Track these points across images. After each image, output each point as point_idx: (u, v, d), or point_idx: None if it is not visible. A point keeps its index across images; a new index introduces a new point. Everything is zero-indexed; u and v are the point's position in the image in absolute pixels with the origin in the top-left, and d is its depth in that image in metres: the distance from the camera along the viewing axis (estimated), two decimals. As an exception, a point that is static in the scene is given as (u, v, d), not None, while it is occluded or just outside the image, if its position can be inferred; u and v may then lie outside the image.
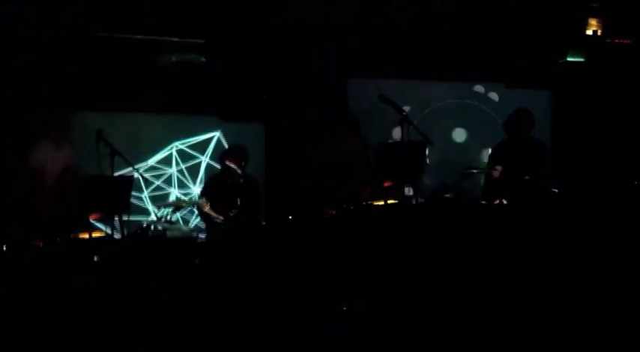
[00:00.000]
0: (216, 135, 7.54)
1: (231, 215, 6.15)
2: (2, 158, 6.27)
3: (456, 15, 7.58)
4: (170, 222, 6.24)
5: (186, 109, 7.37)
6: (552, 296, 4.96)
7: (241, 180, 6.30)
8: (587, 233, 5.76)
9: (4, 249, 5.36)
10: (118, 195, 5.62)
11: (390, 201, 5.68)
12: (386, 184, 5.71)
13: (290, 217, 6.14)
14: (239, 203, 6.20)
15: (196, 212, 6.88)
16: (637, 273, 5.18)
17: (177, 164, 7.49)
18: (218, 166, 6.75)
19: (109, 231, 6.15)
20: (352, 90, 7.51)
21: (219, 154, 6.69)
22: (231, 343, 4.48)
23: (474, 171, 6.51)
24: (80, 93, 6.80)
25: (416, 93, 7.68)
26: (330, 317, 4.76)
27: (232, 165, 6.25)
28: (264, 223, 6.51)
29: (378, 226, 5.51)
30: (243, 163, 6.32)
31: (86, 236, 5.62)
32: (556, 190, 6.30)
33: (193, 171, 7.51)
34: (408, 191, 5.88)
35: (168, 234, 6.02)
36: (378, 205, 5.69)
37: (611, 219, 5.89)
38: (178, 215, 6.75)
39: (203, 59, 7.19)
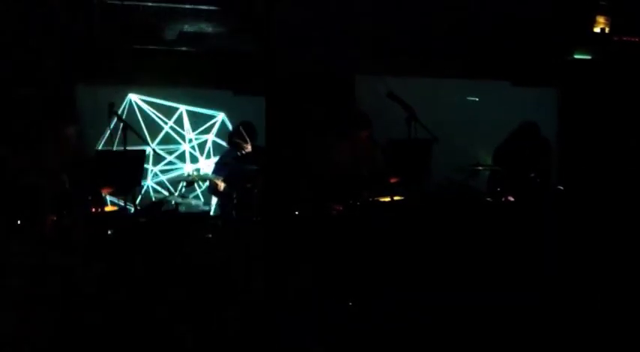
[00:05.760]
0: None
1: (249, 186, 6.15)
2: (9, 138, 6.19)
3: (463, 12, 7.58)
4: (183, 196, 6.26)
5: (202, 83, 7.32)
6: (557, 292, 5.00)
7: (251, 152, 6.39)
8: (594, 230, 5.78)
9: (19, 223, 5.36)
10: (129, 170, 5.56)
11: (396, 198, 5.72)
12: (392, 181, 5.74)
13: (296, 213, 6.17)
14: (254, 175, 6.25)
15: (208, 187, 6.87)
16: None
17: (190, 140, 7.48)
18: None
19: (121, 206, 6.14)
20: (359, 87, 7.52)
21: (228, 133, 6.68)
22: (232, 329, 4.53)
23: (480, 168, 6.54)
24: (89, 67, 6.67)
25: (422, 91, 7.68)
26: (335, 312, 4.80)
27: (241, 142, 6.36)
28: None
29: (384, 222, 5.55)
30: (251, 139, 6.42)
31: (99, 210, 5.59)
32: (562, 187, 6.32)
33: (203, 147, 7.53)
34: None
35: (181, 208, 6.00)
36: (385, 201, 5.73)
37: (617, 216, 5.92)
38: (196, 188, 6.78)
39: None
